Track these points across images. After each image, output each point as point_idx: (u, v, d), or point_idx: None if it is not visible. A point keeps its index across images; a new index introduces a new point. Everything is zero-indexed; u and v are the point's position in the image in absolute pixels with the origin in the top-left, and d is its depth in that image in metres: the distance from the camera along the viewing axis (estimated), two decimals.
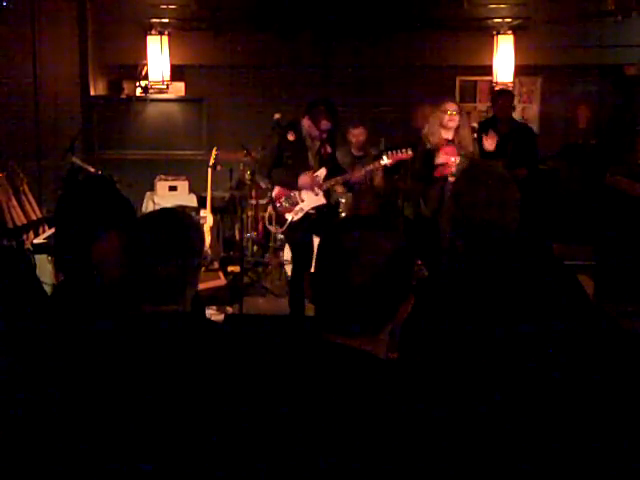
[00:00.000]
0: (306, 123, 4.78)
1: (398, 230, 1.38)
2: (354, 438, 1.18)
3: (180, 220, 1.77)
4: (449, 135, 5.16)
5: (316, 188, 4.82)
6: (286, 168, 4.80)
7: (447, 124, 5.10)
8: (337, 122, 4.82)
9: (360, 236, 1.30)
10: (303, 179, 4.80)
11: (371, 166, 5.02)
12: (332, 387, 1.23)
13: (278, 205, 4.88)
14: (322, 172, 4.84)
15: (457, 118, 5.11)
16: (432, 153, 5.17)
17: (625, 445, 1.91)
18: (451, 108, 5.14)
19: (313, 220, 4.85)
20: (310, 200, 4.84)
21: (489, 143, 5.26)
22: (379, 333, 1.31)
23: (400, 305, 1.32)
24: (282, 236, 5.60)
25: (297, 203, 4.82)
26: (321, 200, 4.86)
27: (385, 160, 4.96)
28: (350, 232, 1.32)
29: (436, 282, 2.19)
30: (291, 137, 4.83)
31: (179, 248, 1.70)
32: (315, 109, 4.72)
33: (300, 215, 4.83)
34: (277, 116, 5.02)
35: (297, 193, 4.83)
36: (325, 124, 4.71)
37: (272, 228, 5.42)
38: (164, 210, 1.84)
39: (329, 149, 4.87)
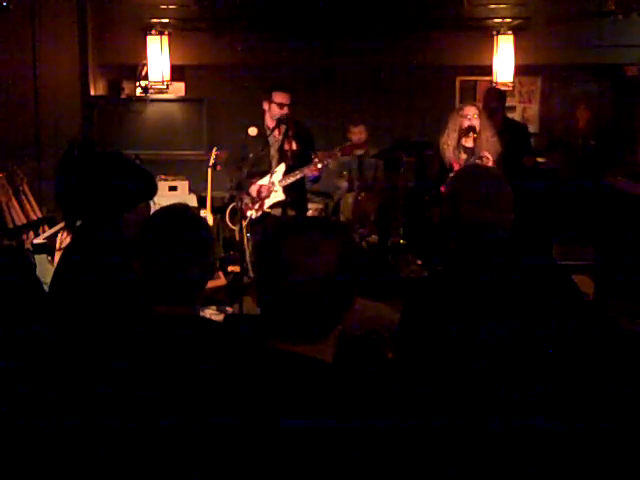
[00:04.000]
0: (265, 108, 4.71)
1: (344, 233, 1.35)
2: (293, 442, 1.17)
3: (195, 221, 1.75)
4: (469, 143, 4.64)
5: (276, 185, 4.76)
6: (247, 164, 4.72)
7: (465, 129, 4.58)
8: (295, 99, 4.69)
9: (301, 241, 1.27)
10: (252, 188, 4.77)
11: (326, 160, 4.84)
12: (273, 393, 1.22)
13: (241, 203, 4.85)
14: (281, 168, 4.76)
15: (478, 122, 4.60)
16: (445, 169, 4.65)
17: (626, 444, 1.91)
18: (471, 112, 4.61)
19: (275, 218, 4.81)
20: (269, 198, 4.80)
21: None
22: (324, 338, 1.28)
23: (345, 310, 1.30)
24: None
25: (257, 200, 4.79)
26: (279, 197, 4.78)
27: (336, 150, 4.87)
28: (291, 237, 1.29)
29: (429, 282, 2.19)
30: (252, 132, 4.75)
31: (200, 252, 1.68)
32: (267, 88, 4.68)
33: (259, 213, 4.80)
34: (252, 132, 4.79)
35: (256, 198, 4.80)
36: (279, 96, 4.62)
37: (232, 226, 5.34)
38: (175, 212, 1.79)
39: (294, 145, 4.71)
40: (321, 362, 1.26)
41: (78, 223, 2.21)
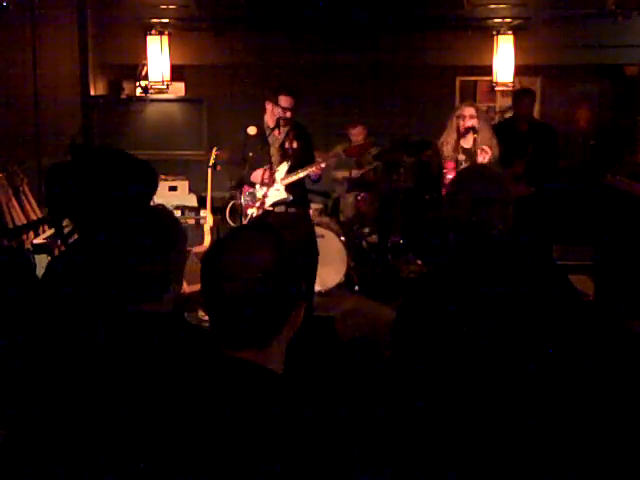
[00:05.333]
0: (267, 108, 4.73)
1: (279, 235, 1.35)
2: (229, 447, 1.17)
3: (161, 217, 1.78)
4: (468, 143, 4.64)
5: (277, 183, 4.76)
6: (248, 163, 4.75)
7: (464, 130, 4.59)
8: (298, 103, 4.71)
9: (235, 244, 1.30)
10: (254, 175, 4.77)
11: (329, 160, 4.89)
12: (214, 399, 1.23)
13: (242, 200, 4.87)
14: (284, 167, 4.78)
15: (476, 122, 4.60)
16: (443, 165, 4.65)
17: (626, 443, 1.91)
18: (468, 112, 4.62)
19: (276, 215, 4.80)
20: (271, 196, 4.79)
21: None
22: (269, 344, 1.29)
23: (288, 315, 1.30)
24: None
25: (258, 199, 4.80)
26: (281, 195, 4.80)
27: (340, 150, 4.93)
28: (226, 241, 1.32)
29: (426, 280, 2.19)
30: (252, 131, 4.77)
31: (162, 245, 1.71)
32: (273, 89, 4.69)
33: (260, 211, 4.81)
34: (251, 131, 4.81)
35: (259, 188, 4.80)
36: (285, 100, 4.63)
37: (232, 224, 5.35)
38: (148, 211, 1.86)
39: (294, 144, 4.74)
40: (267, 370, 1.27)
41: (65, 223, 2.18)
